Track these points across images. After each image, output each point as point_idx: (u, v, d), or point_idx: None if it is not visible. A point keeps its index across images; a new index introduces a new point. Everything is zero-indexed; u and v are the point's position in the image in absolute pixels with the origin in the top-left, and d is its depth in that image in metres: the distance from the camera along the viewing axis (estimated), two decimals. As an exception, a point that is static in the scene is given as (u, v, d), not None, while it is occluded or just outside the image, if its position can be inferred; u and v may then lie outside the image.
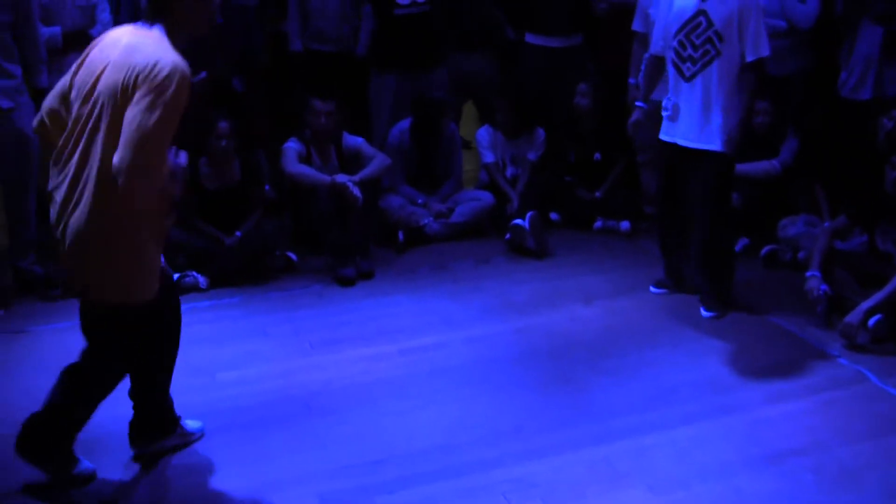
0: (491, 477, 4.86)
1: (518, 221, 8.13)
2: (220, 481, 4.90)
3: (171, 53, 4.09)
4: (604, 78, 8.93)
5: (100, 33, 7.64)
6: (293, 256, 7.95)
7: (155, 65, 4.01)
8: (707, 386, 5.85)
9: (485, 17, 9.19)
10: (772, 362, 6.17)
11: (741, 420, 5.43)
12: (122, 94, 4.04)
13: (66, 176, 4.26)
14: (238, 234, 7.67)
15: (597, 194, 8.81)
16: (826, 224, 7.23)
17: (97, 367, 4.77)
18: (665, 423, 5.38)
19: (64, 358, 6.29)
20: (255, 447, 5.20)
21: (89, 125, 4.15)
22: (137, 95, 3.98)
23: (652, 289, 7.30)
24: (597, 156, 8.88)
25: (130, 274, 4.39)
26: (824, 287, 6.67)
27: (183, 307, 6.90)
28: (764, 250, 7.80)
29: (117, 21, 7.93)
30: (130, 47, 4.13)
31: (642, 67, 8.11)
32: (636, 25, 8.29)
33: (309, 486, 4.83)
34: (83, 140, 4.18)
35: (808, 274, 6.80)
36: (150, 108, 3.94)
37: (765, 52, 6.41)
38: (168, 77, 3.99)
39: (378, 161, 8.13)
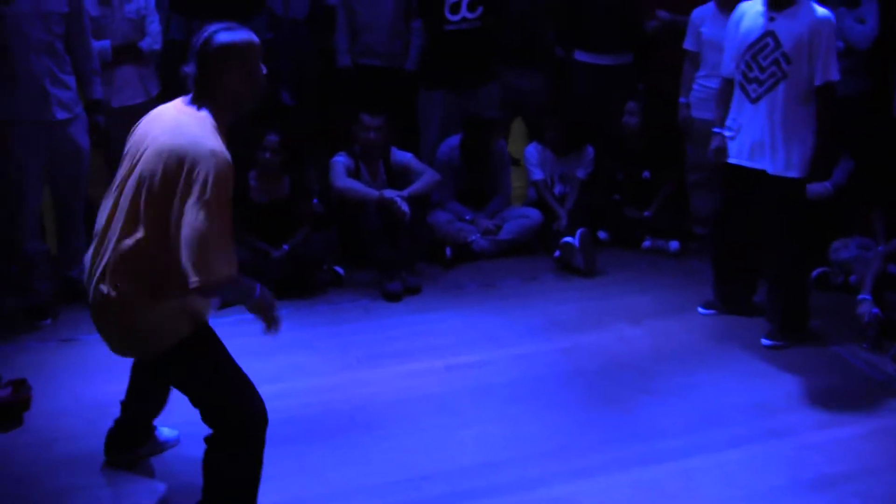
0: (535, 496, 4.83)
1: (568, 239, 8.08)
2: (263, 496, 4.87)
3: (212, 141, 4.00)
4: (654, 97, 8.88)
5: (149, 46, 7.74)
6: (340, 271, 7.96)
7: (195, 157, 3.93)
8: (755, 409, 5.78)
9: (535, 34, 9.16)
10: (822, 387, 6.10)
11: (790, 444, 5.37)
12: (162, 180, 3.97)
13: (98, 242, 4.24)
14: (286, 247, 7.69)
15: (646, 213, 8.76)
16: (880, 247, 7.15)
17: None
18: (712, 445, 5.34)
19: (112, 366, 6.35)
20: (299, 461, 5.19)
21: (125, 201, 4.10)
22: (180, 189, 3.93)
23: (700, 309, 7.24)
24: (645, 174, 8.82)
25: (166, 323, 4.25)
26: (876, 311, 6.60)
27: (229, 319, 6.95)
28: (815, 272, 7.70)
29: (166, 34, 7.98)
30: (174, 130, 4.07)
31: (693, 87, 8.09)
32: (687, 44, 8.24)
33: (352, 502, 4.83)
34: (118, 212, 4.14)
35: (859, 297, 6.74)
36: (197, 205, 3.88)
37: (834, 76, 6.26)
38: (207, 172, 3.90)
39: (427, 177, 8.12)
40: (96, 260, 4.19)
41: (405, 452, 5.24)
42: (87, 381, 6.24)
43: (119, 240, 4.08)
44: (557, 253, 8.18)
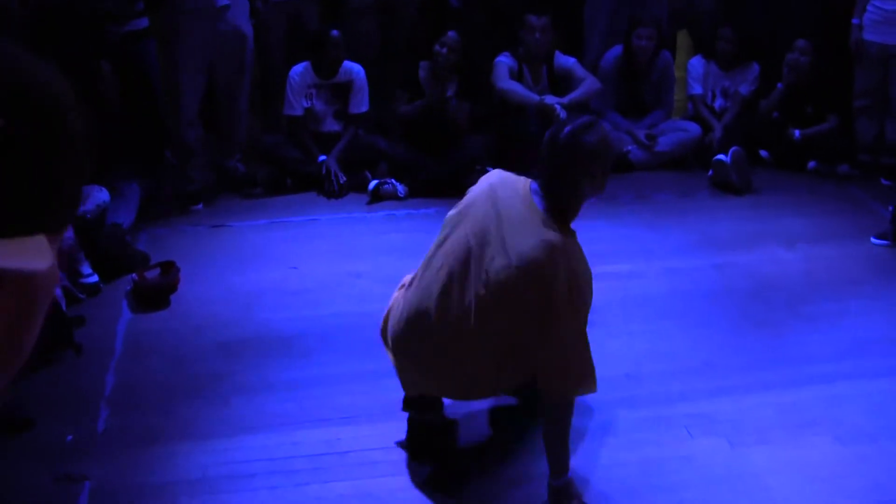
0: (675, 409, 4.82)
1: (721, 157, 7.95)
2: (398, 392, 4.95)
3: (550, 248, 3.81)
4: (828, 19, 8.63)
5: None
6: (494, 172, 7.96)
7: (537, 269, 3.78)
8: (906, 342, 5.66)
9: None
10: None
11: (941, 380, 5.24)
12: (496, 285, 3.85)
13: None
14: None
15: (796, 134, 8.49)
16: None
17: None
18: (859, 374, 5.23)
19: (262, 254, 6.46)
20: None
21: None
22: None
23: (873, 239, 6.99)
24: (809, 109, 8.58)
25: None
26: None
27: (380, 214, 6.99)
28: None
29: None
30: (506, 224, 3.92)
31: (867, 8, 7.84)
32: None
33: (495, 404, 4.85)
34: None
35: None
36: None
37: None
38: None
39: (588, 84, 8.05)
40: None
41: (549, 359, 5.24)
42: (236, 268, 6.37)
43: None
44: (711, 172, 8.04)
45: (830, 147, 8.43)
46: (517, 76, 7.99)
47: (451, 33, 7.81)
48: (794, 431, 4.70)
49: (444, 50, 7.82)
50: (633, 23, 8.41)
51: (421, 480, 4.35)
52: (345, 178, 7.70)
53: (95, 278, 6.06)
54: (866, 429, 4.74)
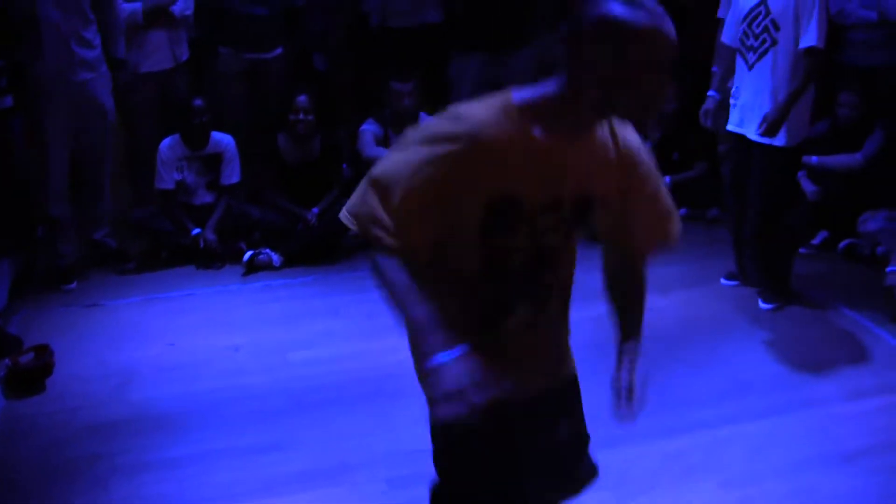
0: (561, 465, 4.81)
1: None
2: (289, 462, 4.90)
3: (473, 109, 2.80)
4: (689, 69, 8.77)
5: (181, 11, 7.75)
6: (369, 237, 7.96)
7: None
8: (782, 380, 5.77)
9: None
10: (848, 358, 6.07)
11: (816, 416, 5.34)
12: None
13: None
14: (315, 210, 7.70)
15: (667, 179, 8.59)
16: (909, 220, 7.11)
17: None
18: (739, 416, 5.32)
19: (137, 329, 6.38)
20: (325, 429, 5.19)
21: None
22: None
23: (723, 281, 7.21)
24: (674, 156, 8.72)
25: None
26: (903, 282, 6.56)
27: (256, 285, 6.93)
28: (842, 244, 7.71)
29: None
30: None
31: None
32: (721, 13, 8.13)
33: (377, 471, 4.83)
34: None
35: (888, 270, 6.67)
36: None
37: (814, 41, 6.12)
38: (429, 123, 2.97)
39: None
40: None
41: (431, 421, 5.23)
42: (111, 347, 6.27)
43: None
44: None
45: (699, 193, 8.58)
46: (383, 141, 7.97)
47: (300, 98, 7.80)
48: (680, 479, 4.74)
49: (301, 115, 7.80)
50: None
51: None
52: (221, 250, 7.66)
53: (-35, 365, 5.94)
54: (750, 471, 4.80)
